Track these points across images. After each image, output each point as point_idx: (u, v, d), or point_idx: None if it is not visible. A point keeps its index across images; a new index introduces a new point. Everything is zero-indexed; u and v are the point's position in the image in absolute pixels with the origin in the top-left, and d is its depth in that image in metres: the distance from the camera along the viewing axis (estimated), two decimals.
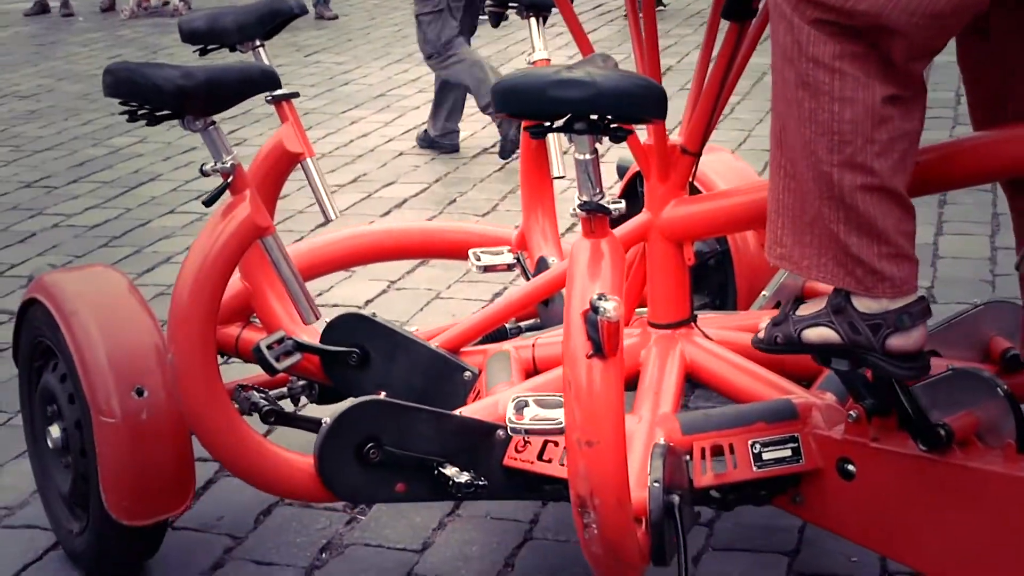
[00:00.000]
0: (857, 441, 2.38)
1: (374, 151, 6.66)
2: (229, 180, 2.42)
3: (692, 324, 2.76)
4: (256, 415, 2.65)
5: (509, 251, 3.35)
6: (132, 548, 2.77)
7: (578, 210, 2.07)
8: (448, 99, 6.58)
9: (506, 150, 6.26)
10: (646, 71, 2.68)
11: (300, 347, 2.88)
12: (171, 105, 2.34)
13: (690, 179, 2.70)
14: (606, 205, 2.05)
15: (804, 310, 2.28)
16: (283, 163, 2.97)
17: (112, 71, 2.38)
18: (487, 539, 2.95)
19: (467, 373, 2.87)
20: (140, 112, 2.36)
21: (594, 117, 1.97)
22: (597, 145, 2.03)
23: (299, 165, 2.99)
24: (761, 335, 2.35)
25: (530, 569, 2.84)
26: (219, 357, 3.12)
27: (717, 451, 2.44)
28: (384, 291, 4.58)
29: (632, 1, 2.73)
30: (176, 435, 2.63)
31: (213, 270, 2.39)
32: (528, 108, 2.03)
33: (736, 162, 3.49)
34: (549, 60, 3.29)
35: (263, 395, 2.70)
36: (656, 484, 2.19)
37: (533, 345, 2.89)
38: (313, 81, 8.47)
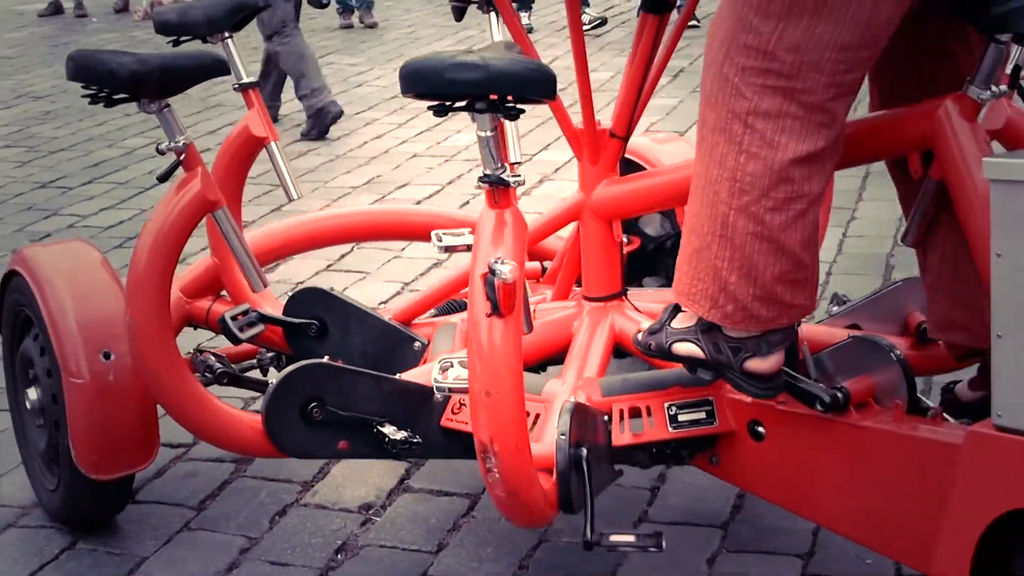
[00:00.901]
0: (765, 404, 2.56)
1: (388, 153, 6.70)
2: (182, 158, 2.63)
3: (623, 297, 2.95)
4: (211, 376, 2.86)
5: (471, 233, 3.54)
6: (100, 502, 2.98)
7: (481, 183, 2.27)
8: (272, 75, 7.24)
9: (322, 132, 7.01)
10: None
11: (263, 318, 3.09)
12: (127, 89, 2.55)
13: (618, 161, 2.89)
14: (506, 178, 2.25)
15: (678, 323, 2.46)
16: (249, 146, 3.16)
17: (73, 57, 2.60)
18: (501, 540, 2.96)
19: (416, 343, 3.06)
20: (99, 95, 2.57)
21: (494, 97, 2.17)
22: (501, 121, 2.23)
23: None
24: (639, 338, 2.55)
25: (544, 570, 2.88)
26: (195, 329, 3.37)
27: (635, 413, 2.62)
28: (398, 292, 4.68)
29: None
30: (140, 396, 2.84)
31: (167, 240, 2.61)
32: (429, 89, 2.23)
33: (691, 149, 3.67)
34: None
35: (218, 359, 2.91)
36: (563, 437, 2.38)
37: None
38: (327, 83, 8.64)
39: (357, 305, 3.13)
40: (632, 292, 3.02)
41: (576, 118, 2.89)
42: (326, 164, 6.55)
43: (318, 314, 3.12)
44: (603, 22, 9.90)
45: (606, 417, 2.59)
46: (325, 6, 9.50)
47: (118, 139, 7.24)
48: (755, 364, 2.34)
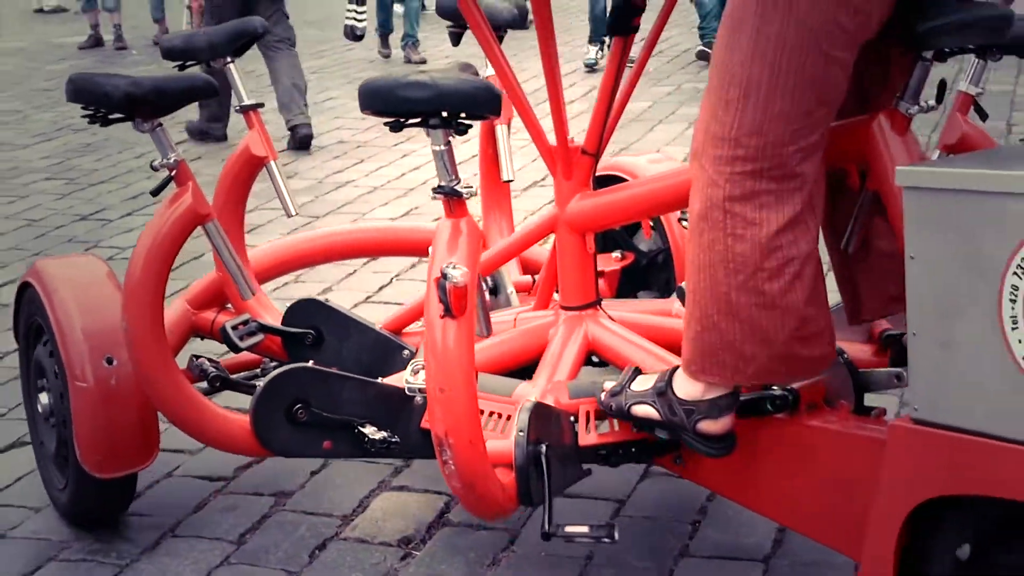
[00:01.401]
0: None
1: (426, 184, 6.71)
2: (174, 174, 2.81)
3: (597, 307, 3.09)
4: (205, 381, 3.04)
5: None
6: (105, 500, 3.16)
7: (436, 194, 2.44)
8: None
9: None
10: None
11: (263, 328, 3.27)
12: (122, 109, 2.74)
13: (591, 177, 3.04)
14: (459, 189, 2.42)
15: (637, 385, 2.61)
16: (250, 165, 3.35)
17: (72, 80, 2.79)
18: (541, 575, 3.02)
19: (405, 351, 3.22)
20: (96, 115, 2.76)
21: (445, 114, 2.34)
22: (451, 138, 2.39)
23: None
24: (602, 399, 2.69)
25: None
26: (202, 339, 3.54)
27: (601, 414, 2.76)
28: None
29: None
30: (141, 399, 3.01)
31: (160, 251, 2.79)
32: (385, 107, 2.40)
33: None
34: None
35: (213, 364, 3.08)
36: (520, 434, 2.53)
37: None
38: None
39: (350, 315, 3.30)
40: (608, 303, 3.16)
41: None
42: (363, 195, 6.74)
43: (314, 324, 3.29)
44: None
45: (572, 418, 2.74)
46: (360, 38, 9.73)
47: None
48: (707, 426, 2.47)
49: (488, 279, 3.62)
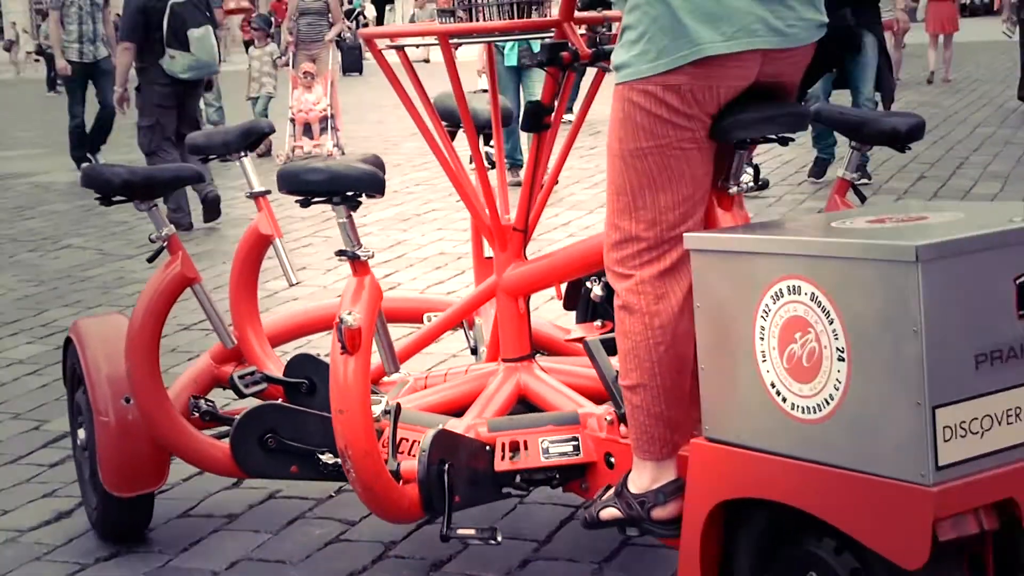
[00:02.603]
0: (612, 438, 3.24)
1: None
2: (166, 244, 3.47)
3: (531, 359, 3.66)
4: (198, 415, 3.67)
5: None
6: (126, 515, 3.78)
7: (339, 257, 3.05)
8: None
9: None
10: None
11: (267, 379, 3.89)
12: (122, 192, 3.41)
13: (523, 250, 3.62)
14: (359, 254, 3.02)
15: (606, 497, 3.06)
16: (259, 242, 3.99)
17: (84, 171, 3.47)
18: None
19: (376, 395, 3.82)
20: (104, 198, 3.43)
21: (350, 193, 2.96)
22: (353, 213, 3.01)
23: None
24: (583, 515, 3.14)
25: None
26: (224, 389, 4.17)
27: (515, 446, 3.31)
28: None
29: None
30: None
31: (155, 307, 3.44)
32: (291, 188, 3.03)
33: None
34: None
35: (206, 401, 3.71)
36: (423, 452, 3.11)
37: (426, 376, 3.85)
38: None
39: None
40: (547, 359, 3.73)
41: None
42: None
43: (308, 375, 3.90)
44: (765, 185, 9.63)
45: (488, 447, 3.29)
46: (493, 166, 10.37)
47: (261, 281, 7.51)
48: (658, 512, 2.92)
49: (470, 338, 4.21)
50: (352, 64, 27.49)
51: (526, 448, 3.31)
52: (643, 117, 2.74)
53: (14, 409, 5.18)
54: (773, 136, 2.85)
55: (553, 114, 3.44)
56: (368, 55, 26.27)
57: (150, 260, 3.47)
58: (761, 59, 2.74)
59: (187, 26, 9.05)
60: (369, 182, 3.01)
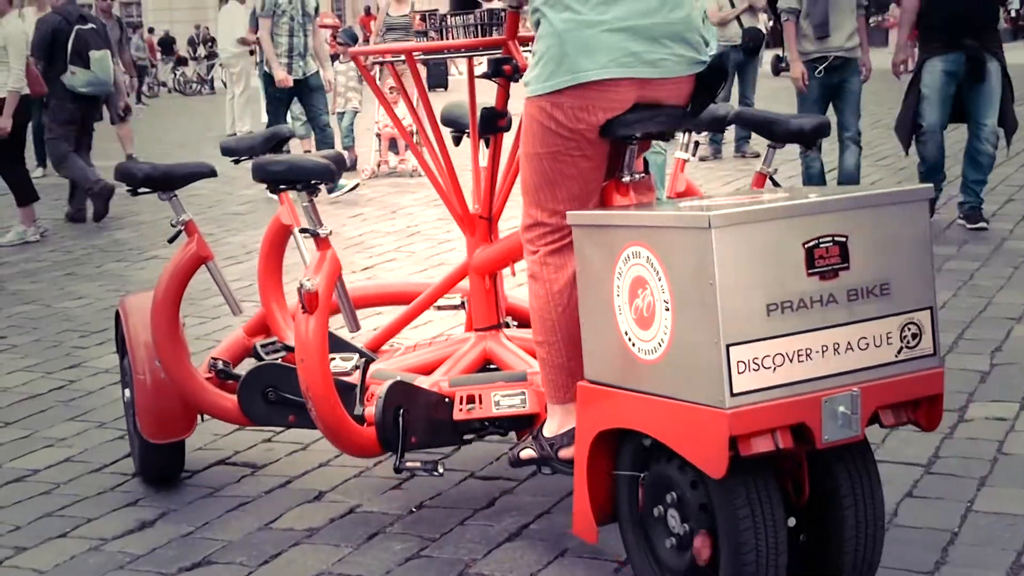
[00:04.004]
0: None
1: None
2: (184, 228, 4.13)
3: (498, 328, 4.26)
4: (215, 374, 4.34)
5: (461, 296, 4.92)
6: (160, 460, 4.44)
7: (303, 234, 3.69)
8: (77, 191, 11.01)
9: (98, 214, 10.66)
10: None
11: (285, 347, 4.55)
12: (146, 184, 4.08)
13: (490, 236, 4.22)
14: (320, 232, 3.65)
15: (525, 440, 3.67)
16: (281, 230, 4.64)
17: (116, 167, 4.16)
18: None
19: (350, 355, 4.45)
20: (131, 189, 4.11)
21: (317, 182, 3.61)
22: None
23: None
24: (509, 454, 3.74)
25: None
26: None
27: (471, 399, 3.91)
28: None
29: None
30: None
31: (174, 281, 4.11)
32: (260, 177, 3.69)
33: None
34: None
35: (223, 362, 4.37)
36: (380, 398, 3.72)
37: (415, 345, 4.50)
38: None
39: (343, 339, 4.56)
40: (514, 331, 4.34)
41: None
42: None
43: None
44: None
45: (447, 399, 3.89)
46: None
47: None
48: (564, 453, 3.52)
49: None
50: (438, 79, 27.04)
51: (480, 401, 3.89)
52: (538, 128, 3.34)
53: (99, 418, 5.33)
54: (653, 132, 3.39)
55: (505, 118, 4.04)
56: (454, 70, 26.87)
57: (170, 241, 4.15)
58: (636, 86, 3.28)
59: (89, 47, 10.65)
60: (321, 172, 3.65)
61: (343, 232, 9.53)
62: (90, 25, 10.90)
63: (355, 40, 13.38)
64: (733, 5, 12.60)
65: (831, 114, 8.38)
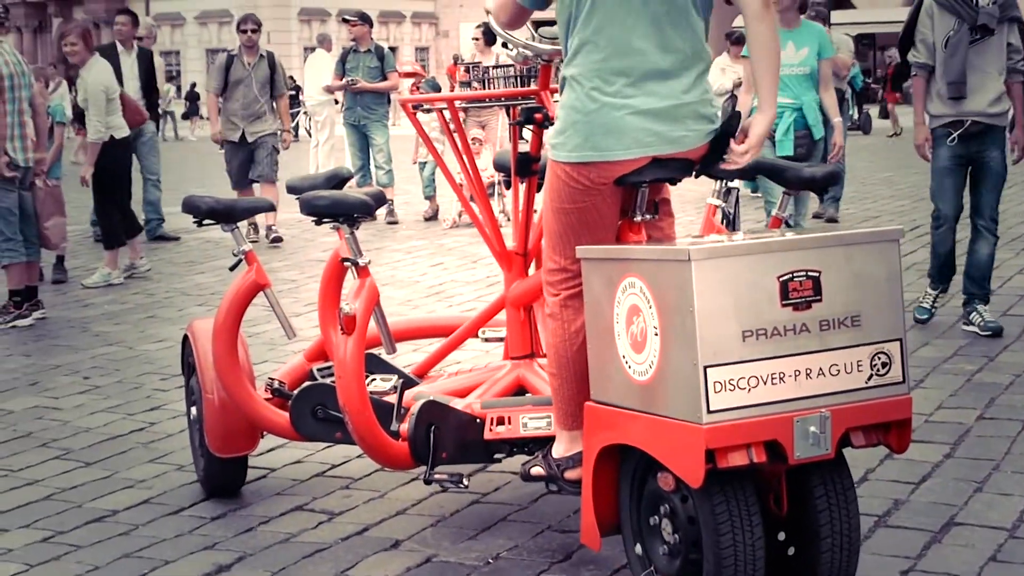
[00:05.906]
0: None
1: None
2: (244, 257, 4.52)
3: (532, 358, 4.59)
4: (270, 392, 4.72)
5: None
6: (225, 473, 4.82)
7: (345, 263, 4.05)
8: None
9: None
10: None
11: None
12: (210, 217, 4.48)
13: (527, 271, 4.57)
14: (360, 262, 4.02)
15: (537, 458, 3.98)
16: (339, 265, 5.01)
17: (184, 200, 4.56)
18: None
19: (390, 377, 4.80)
20: (197, 221, 4.51)
21: (357, 216, 3.98)
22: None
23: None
24: (521, 469, 4.05)
25: None
26: None
27: (501, 420, 4.24)
28: None
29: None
30: None
31: (234, 307, 4.50)
32: (307, 211, 4.07)
33: None
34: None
35: (279, 382, 4.75)
36: (412, 416, 4.07)
37: (457, 371, 4.85)
38: None
39: (394, 365, 4.92)
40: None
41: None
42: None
43: (372, 369, 4.91)
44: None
45: (478, 420, 4.22)
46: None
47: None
48: (570, 474, 3.84)
49: None
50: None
51: (509, 422, 4.22)
52: (562, 186, 3.67)
53: (178, 461, 5.35)
54: (661, 177, 3.70)
55: (538, 163, 4.39)
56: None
57: (231, 269, 4.54)
58: (653, 158, 3.59)
59: None
60: (361, 207, 4.02)
61: (423, 281, 9.76)
62: None
63: (438, 90, 13.72)
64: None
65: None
